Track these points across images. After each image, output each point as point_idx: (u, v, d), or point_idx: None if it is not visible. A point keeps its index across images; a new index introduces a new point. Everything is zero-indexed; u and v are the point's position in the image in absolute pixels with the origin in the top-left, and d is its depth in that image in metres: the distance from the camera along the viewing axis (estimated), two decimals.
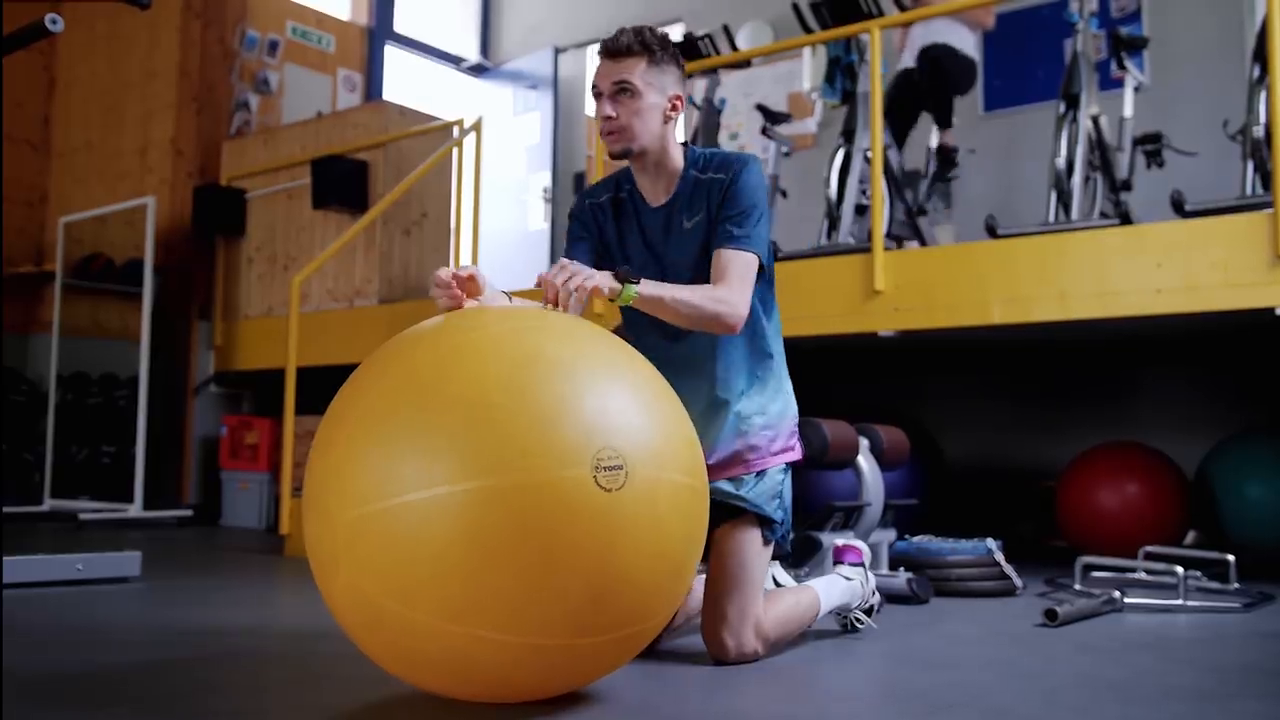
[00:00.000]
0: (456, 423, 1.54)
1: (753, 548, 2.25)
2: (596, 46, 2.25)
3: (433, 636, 1.55)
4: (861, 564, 2.66)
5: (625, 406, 1.66)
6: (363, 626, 1.64)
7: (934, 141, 5.36)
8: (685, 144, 2.31)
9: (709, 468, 2.10)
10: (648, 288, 2.04)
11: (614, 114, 2.16)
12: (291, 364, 5.67)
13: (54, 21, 2.14)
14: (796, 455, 2.40)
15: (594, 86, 2.21)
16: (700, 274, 2.22)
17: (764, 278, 2.30)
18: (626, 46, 2.14)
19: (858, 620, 2.61)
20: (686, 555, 1.72)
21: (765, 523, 2.27)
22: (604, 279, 1.98)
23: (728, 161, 2.24)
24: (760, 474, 2.30)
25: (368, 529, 1.54)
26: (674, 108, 2.22)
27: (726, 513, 2.26)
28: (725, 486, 2.27)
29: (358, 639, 1.68)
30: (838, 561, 2.67)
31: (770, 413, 2.34)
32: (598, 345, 1.76)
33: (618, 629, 1.64)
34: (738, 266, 2.15)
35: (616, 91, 2.16)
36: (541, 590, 1.53)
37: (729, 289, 2.11)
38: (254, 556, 4.67)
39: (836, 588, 2.54)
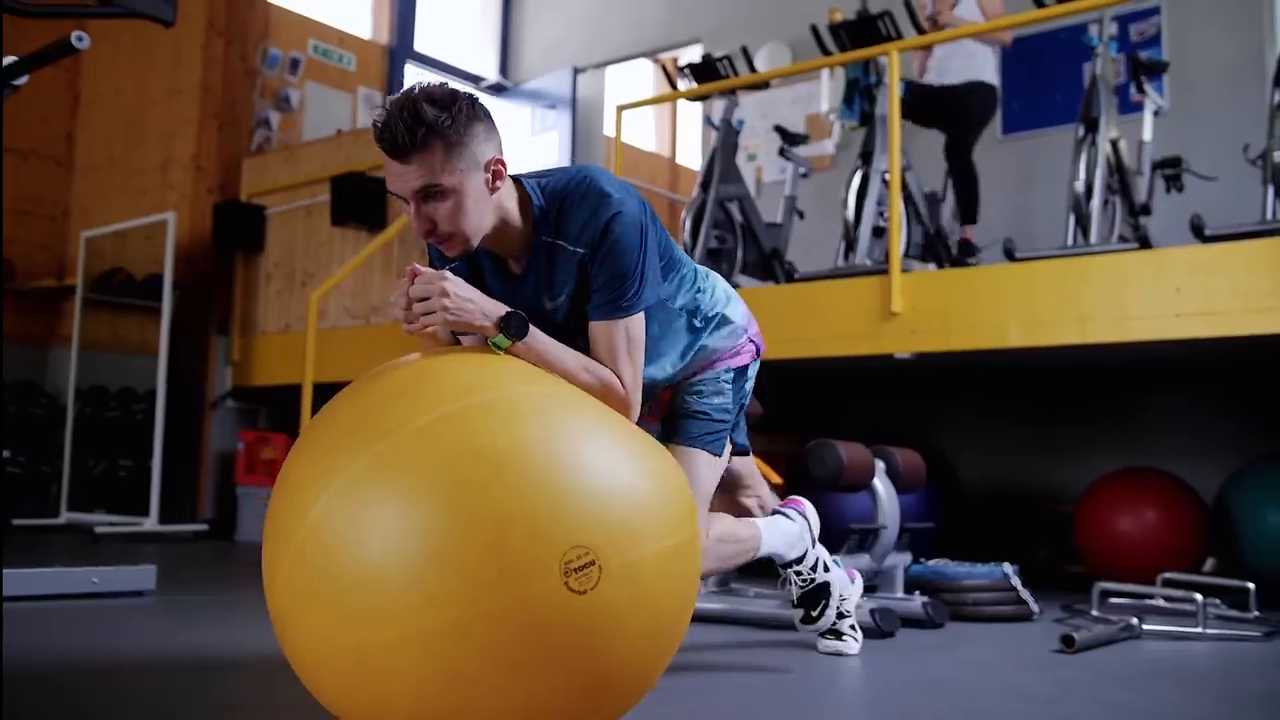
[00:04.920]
0: (410, 554, 1.41)
1: (699, 459, 2.19)
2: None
3: None
4: (805, 515, 2.53)
5: (590, 486, 1.50)
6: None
7: (945, 199, 5.35)
8: (520, 184, 1.86)
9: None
10: (536, 346, 1.75)
11: (434, 223, 1.74)
12: (308, 380, 5.70)
13: (80, 39, 2.17)
14: (744, 359, 2.28)
15: (390, 189, 1.77)
16: (580, 335, 1.91)
17: (667, 270, 2.03)
18: (412, 141, 1.67)
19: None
20: (680, 614, 1.64)
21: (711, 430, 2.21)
22: (484, 320, 1.72)
23: (585, 226, 1.80)
24: (714, 377, 2.24)
25: (335, 666, 1.47)
26: (497, 174, 1.77)
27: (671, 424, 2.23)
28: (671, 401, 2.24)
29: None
30: (777, 512, 2.55)
31: (711, 346, 2.22)
32: (547, 414, 1.57)
33: (618, 704, 1.60)
34: (620, 339, 1.83)
35: (423, 199, 1.72)
36: (530, 703, 1.46)
37: (619, 372, 1.82)
38: None
39: (778, 527, 2.44)
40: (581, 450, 1.55)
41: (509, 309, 1.73)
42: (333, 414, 1.62)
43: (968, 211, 5.06)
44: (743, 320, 2.27)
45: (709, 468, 2.20)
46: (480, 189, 1.75)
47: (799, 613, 2.53)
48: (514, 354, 1.72)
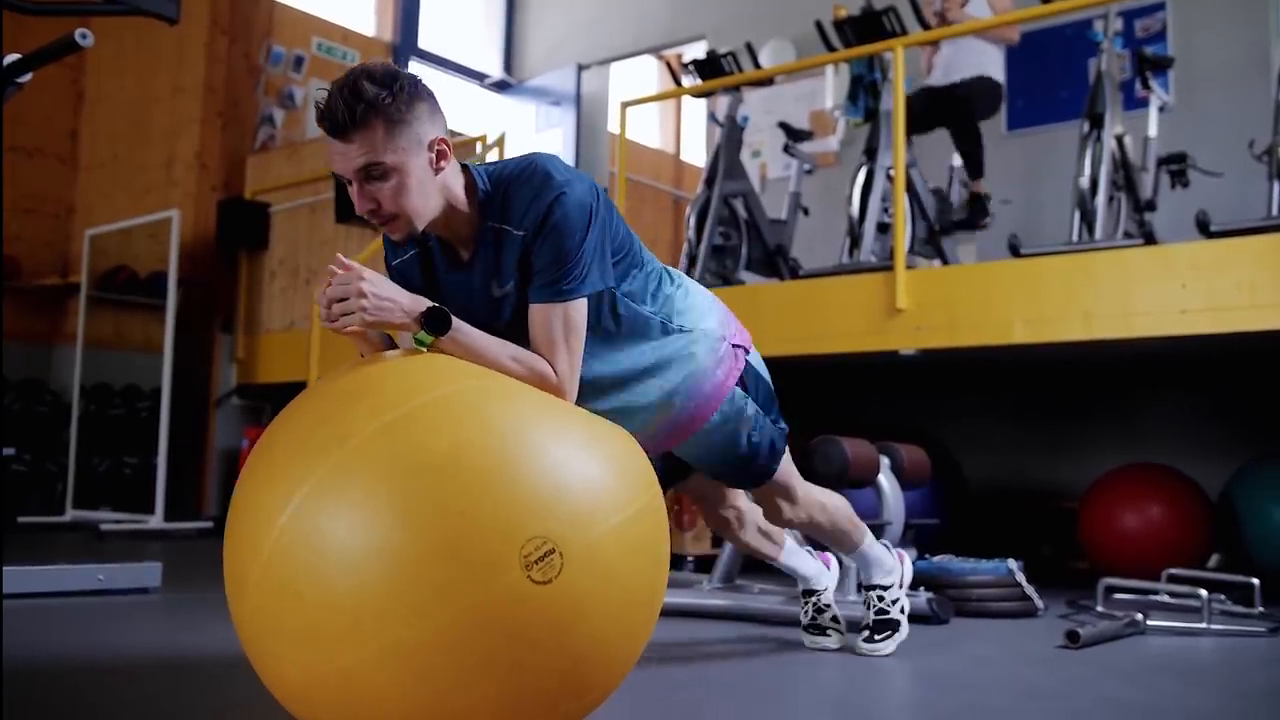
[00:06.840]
0: (371, 572, 1.39)
1: (781, 479, 2.30)
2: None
3: None
4: (903, 561, 2.71)
5: (537, 473, 1.49)
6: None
7: (956, 162, 5.34)
8: (467, 170, 1.83)
9: (665, 442, 2.12)
10: (461, 339, 1.69)
11: (377, 202, 1.71)
12: (313, 377, 5.70)
13: (84, 36, 2.17)
14: (738, 371, 2.13)
15: (334, 170, 1.74)
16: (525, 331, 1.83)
17: (627, 268, 1.94)
18: (352, 119, 1.64)
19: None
20: (652, 584, 1.62)
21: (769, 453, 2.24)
22: (404, 317, 1.67)
23: (526, 210, 1.76)
24: (723, 418, 2.12)
25: (316, 693, 1.45)
26: (441, 154, 1.73)
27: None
28: (708, 455, 2.19)
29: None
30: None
31: (688, 372, 2.04)
32: (483, 409, 1.54)
33: (602, 684, 1.58)
34: (557, 325, 1.76)
35: (365, 178, 1.69)
36: (515, 698, 1.45)
37: (554, 360, 1.75)
38: None
39: (881, 548, 2.65)
40: (523, 439, 1.52)
41: (430, 304, 1.68)
42: (269, 442, 1.60)
43: (975, 167, 5.06)
44: (719, 327, 2.11)
45: (788, 466, 2.32)
46: (424, 169, 1.72)
47: (865, 631, 2.61)
48: (440, 349, 1.68)
